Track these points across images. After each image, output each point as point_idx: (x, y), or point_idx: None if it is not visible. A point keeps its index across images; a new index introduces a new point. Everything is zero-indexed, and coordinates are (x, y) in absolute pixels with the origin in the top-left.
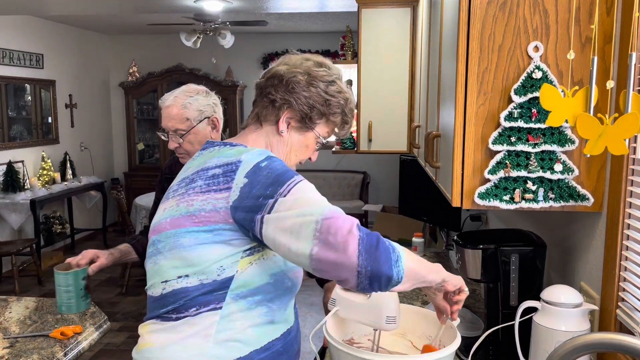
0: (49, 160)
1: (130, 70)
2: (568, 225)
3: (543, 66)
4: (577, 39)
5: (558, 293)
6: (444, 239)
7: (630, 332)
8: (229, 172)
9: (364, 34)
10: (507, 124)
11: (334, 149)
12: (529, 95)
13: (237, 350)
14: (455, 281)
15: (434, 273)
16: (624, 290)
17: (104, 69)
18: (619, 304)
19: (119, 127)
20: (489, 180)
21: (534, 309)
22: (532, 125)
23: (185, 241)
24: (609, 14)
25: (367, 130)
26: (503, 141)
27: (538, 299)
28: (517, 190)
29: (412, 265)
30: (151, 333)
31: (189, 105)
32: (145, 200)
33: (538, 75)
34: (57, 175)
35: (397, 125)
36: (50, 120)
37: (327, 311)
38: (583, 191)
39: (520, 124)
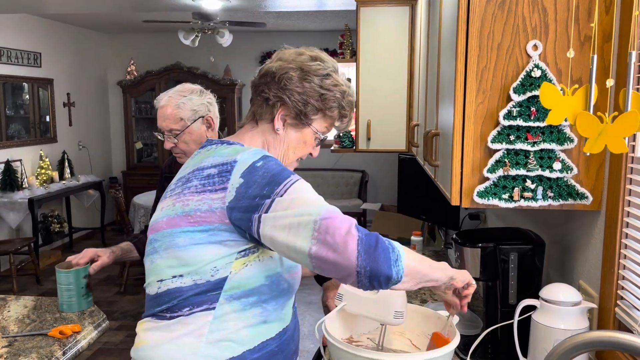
0: (47, 159)
1: (129, 69)
2: (567, 223)
3: (542, 65)
4: (576, 38)
5: (557, 291)
6: (442, 238)
7: (628, 330)
8: (224, 172)
9: (363, 33)
10: (506, 123)
11: (332, 148)
12: (528, 94)
13: (230, 350)
14: (463, 277)
15: (439, 271)
16: (622, 288)
17: (102, 68)
18: (618, 302)
19: (117, 125)
20: (488, 178)
21: (532, 307)
22: (531, 123)
23: (181, 241)
24: (608, 13)
25: (365, 128)
26: (502, 140)
27: (537, 297)
28: (516, 189)
29: (414, 264)
30: (146, 331)
31: (182, 105)
32: (143, 199)
33: (537, 73)
34: (55, 174)
35: (396, 124)
36: (48, 119)
37: (326, 310)
38: (582, 190)
39: (519, 122)
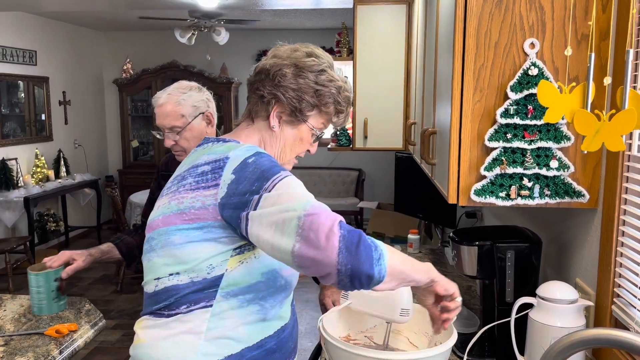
0: (43, 158)
1: (124, 67)
2: (563, 221)
3: (539, 63)
4: (573, 36)
5: (554, 289)
6: (439, 236)
7: (625, 328)
8: (216, 168)
9: (360, 31)
10: (503, 121)
11: (329, 146)
12: (525, 92)
13: (229, 347)
14: (447, 285)
15: (421, 273)
16: (619, 286)
17: (98, 66)
18: (615, 299)
19: (113, 124)
20: (485, 176)
21: (529, 305)
22: (528, 122)
23: (176, 239)
24: (605, 11)
25: (362, 127)
26: (499, 138)
27: (534, 295)
28: (513, 187)
29: (396, 264)
30: (144, 329)
31: (183, 102)
32: (140, 197)
33: (534, 72)
34: (51, 173)
35: (393, 122)
36: (43, 117)
37: (323, 308)
38: (578, 188)
39: (516, 120)
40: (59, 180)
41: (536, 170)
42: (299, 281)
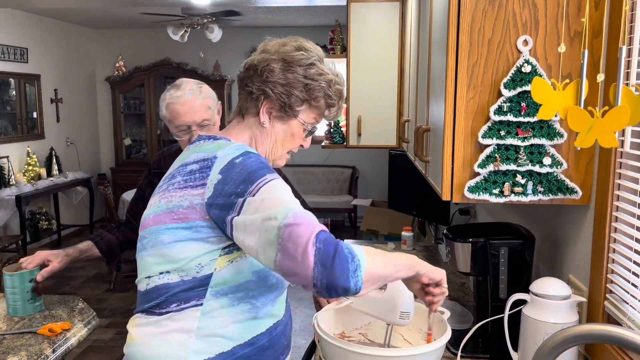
0: (35, 156)
1: (117, 65)
2: (556, 218)
3: (532, 60)
4: (566, 33)
5: (547, 285)
6: (432, 233)
7: (617, 323)
8: (204, 168)
9: (353, 28)
10: (497, 118)
11: (323, 144)
12: (519, 89)
13: (220, 345)
14: (432, 274)
15: (404, 270)
16: (611, 282)
17: (90, 63)
18: (607, 295)
19: (106, 122)
20: (478, 173)
21: (523, 302)
22: (521, 119)
23: (165, 238)
24: (598, 8)
25: (356, 124)
26: (493, 135)
27: (527, 291)
28: (506, 184)
29: (377, 270)
30: (136, 327)
31: (206, 94)
32: (132, 195)
33: (527, 69)
34: (43, 171)
35: (386, 120)
36: (35, 115)
37: (317, 306)
38: (571, 184)
39: (510, 117)
40: (51, 179)
41: (529, 167)
42: None
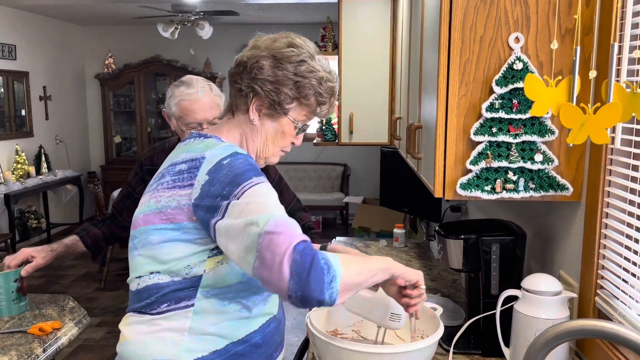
0: (23, 154)
1: (106, 62)
2: (547, 214)
3: (524, 57)
4: (557, 31)
5: (538, 281)
6: (424, 230)
7: (608, 319)
8: (192, 168)
9: (345, 25)
10: (489, 115)
11: (315, 141)
12: (510, 86)
13: (213, 343)
14: (408, 276)
15: (380, 274)
16: (602, 278)
17: (79, 61)
18: (598, 291)
19: (95, 119)
20: (470, 170)
21: (514, 298)
22: (513, 115)
23: (154, 238)
24: (588, 6)
25: (348, 122)
26: (484, 132)
27: (519, 287)
28: (498, 181)
29: (352, 279)
30: (129, 325)
31: (216, 92)
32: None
33: (519, 66)
34: (32, 169)
35: (378, 117)
36: (24, 112)
37: None
38: (562, 181)
39: (502, 114)
40: (40, 177)
41: (521, 163)
42: None
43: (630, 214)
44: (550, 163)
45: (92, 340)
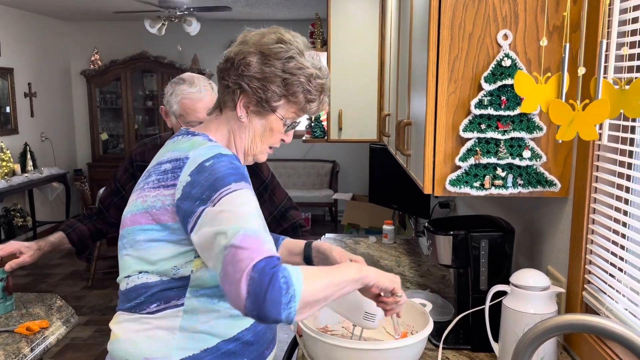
0: (8, 152)
1: (92, 58)
2: (536, 210)
3: (512, 54)
4: (546, 28)
5: (526, 277)
6: (412, 226)
7: (595, 313)
8: (176, 168)
9: (333, 22)
10: (478, 112)
11: (304, 138)
12: (499, 83)
13: (204, 341)
14: (382, 284)
15: (350, 285)
16: (589, 273)
17: (65, 57)
18: (585, 286)
19: (82, 116)
20: (459, 167)
21: (503, 293)
22: (501, 112)
23: (141, 238)
24: (576, 3)
25: (337, 118)
26: (473, 128)
27: (507, 283)
28: (487, 177)
29: (313, 297)
30: (119, 324)
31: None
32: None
33: (507, 63)
34: (17, 167)
35: (367, 114)
36: (8, 109)
37: None
38: (550, 177)
39: (490, 111)
40: (26, 175)
41: (509, 160)
42: None
43: (617, 210)
44: (538, 159)
45: (80, 339)
